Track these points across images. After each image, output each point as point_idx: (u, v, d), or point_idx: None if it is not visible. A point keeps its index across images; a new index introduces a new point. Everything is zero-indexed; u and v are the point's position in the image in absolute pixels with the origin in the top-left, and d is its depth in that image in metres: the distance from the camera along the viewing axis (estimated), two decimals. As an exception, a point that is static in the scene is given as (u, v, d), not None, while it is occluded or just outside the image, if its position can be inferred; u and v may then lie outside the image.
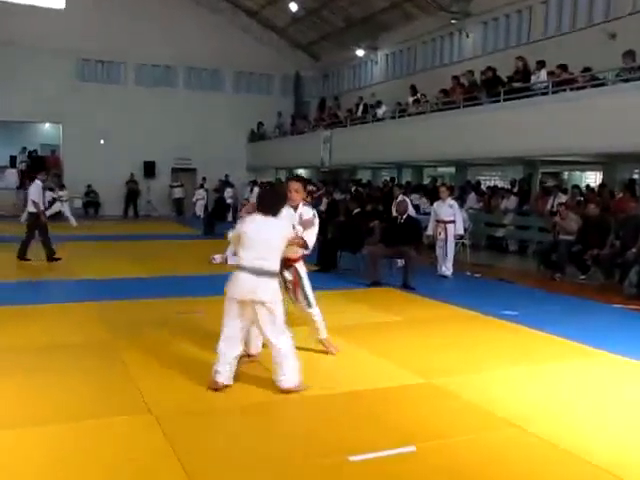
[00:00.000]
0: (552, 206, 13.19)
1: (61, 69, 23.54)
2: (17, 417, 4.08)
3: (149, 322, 6.71)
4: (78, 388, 4.65)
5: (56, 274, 10.15)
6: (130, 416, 4.13)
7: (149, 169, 25.44)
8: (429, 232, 11.16)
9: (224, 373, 4.55)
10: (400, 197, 11.12)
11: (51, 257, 11.37)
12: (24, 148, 25.26)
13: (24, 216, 19.51)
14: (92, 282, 9.46)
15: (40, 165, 23.77)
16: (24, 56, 22.58)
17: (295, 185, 5.38)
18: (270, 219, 4.59)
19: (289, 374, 4.55)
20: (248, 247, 4.52)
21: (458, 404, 4.54)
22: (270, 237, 4.55)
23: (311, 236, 5.18)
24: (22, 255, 11.30)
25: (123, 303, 7.72)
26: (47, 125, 26.69)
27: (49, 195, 19.58)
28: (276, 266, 4.59)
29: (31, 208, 11.60)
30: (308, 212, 5.32)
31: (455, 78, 16.18)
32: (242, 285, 4.48)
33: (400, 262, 10.36)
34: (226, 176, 24.90)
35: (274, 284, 4.57)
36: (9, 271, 10.35)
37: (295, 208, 5.28)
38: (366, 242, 10.88)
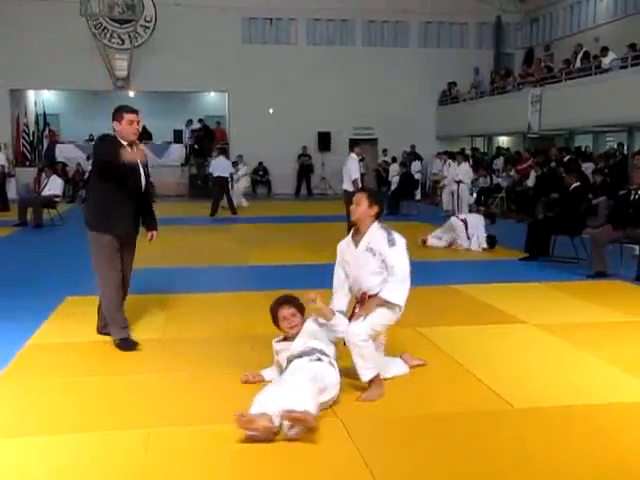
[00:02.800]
0: None
1: (225, 30, 24.84)
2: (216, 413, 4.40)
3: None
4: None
5: (228, 260, 10.73)
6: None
7: (324, 141, 26.12)
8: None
9: None
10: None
11: None
12: (189, 121, 26.71)
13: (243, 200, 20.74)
14: (262, 268, 9.98)
15: (210, 138, 25.34)
16: (187, 18, 24.19)
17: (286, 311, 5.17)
18: None
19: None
20: None
21: None
22: None
23: None
24: None
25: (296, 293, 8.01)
26: (211, 94, 28.31)
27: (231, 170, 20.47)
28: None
29: (348, 186, 11.76)
30: None
31: None
32: None
33: (636, 248, 9.87)
34: (412, 147, 24.94)
35: None
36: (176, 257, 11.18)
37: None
38: (588, 223, 10.49)
